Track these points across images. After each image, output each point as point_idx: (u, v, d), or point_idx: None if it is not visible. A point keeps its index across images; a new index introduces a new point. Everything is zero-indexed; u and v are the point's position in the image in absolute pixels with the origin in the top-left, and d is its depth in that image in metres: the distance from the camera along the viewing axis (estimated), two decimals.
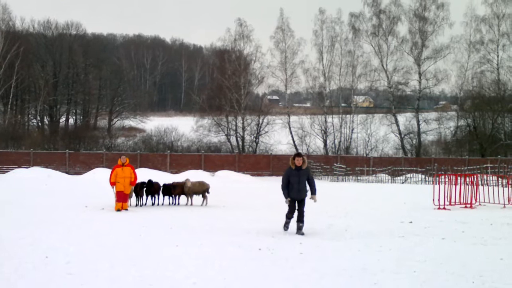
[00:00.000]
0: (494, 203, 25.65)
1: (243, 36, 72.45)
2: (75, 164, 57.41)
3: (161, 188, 25.35)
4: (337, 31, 73.49)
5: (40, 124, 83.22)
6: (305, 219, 16.07)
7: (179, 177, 37.89)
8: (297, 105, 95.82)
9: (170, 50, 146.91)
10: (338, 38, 73.44)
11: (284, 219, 16.51)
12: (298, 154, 16.51)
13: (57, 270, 10.81)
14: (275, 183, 46.53)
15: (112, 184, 22.22)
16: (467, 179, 26.19)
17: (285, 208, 16.34)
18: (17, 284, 9.70)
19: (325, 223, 18.31)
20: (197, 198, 25.51)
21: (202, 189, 25.56)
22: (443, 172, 41.58)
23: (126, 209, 21.97)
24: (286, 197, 16.00)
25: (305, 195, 16.06)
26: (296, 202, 16.04)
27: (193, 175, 39.28)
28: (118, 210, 21.72)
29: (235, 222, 18.84)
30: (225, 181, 44.74)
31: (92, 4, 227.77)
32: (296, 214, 16.07)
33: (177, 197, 25.56)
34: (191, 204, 25.10)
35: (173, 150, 65.75)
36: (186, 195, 25.36)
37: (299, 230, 15.89)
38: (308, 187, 16.12)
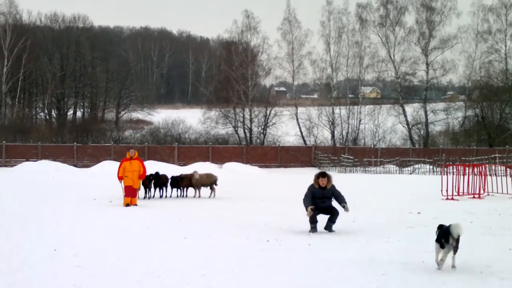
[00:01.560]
0: (502, 193, 25.57)
1: (250, 28, 72.49)
2: (83, 157, 57.58)
3: (169, 180, 25.37)
4: (344, 22, 73.39)
5: (47, 117, 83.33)
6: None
7: (187, 169, 37.90)
8: (304, 96, 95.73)
9: (177, 42, 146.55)
10: (345, 29, 73.35)
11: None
12: (322, 174, 15.13)
13: (65, 263, 10.84)
14: (283, 174, 46.83)
15: (120, 178, 21.65)
16: (475, 169, 26.12)
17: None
18: (25, 277, 9.73)
19: None
20: (205, 190, 25.53)
21: (210, 181, 25.58)
22: (451, 163, 41.47)
23: (135, 205, 21.35)
24: (308, 206, 14.76)
25: (331, 204, 15.20)
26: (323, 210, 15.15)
27: (200, 167, 39.25)
28: (127, 205, 21.24)
29: (243, 213, 18.86)
30: (232, 173, 44.75)
31: None
32: (327, 216, 15.16)
33: (185, 189, 25.60)
34: (199, 196, 25.12)
35: (181, 142, 65.80)
36: (194, 187, 25.39)
37: (329, 228, 15.09)
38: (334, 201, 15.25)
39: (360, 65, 73.52)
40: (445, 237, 10.28)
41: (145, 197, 24.05)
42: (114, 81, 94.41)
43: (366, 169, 53.44)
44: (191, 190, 25.65)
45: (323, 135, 72.43)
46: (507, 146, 57.41)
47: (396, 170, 51.77)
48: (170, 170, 34.47)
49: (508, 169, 34.82)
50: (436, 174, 43.90)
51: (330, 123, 72.49)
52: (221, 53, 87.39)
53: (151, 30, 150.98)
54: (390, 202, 22.71)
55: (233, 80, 70.00)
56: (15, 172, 45.15)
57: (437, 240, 10.48)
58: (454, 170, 26.75)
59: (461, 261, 11.02)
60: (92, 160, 55.16)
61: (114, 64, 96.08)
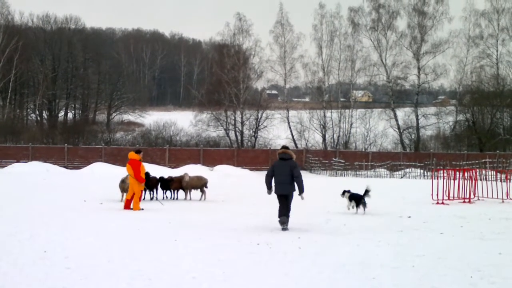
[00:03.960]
0: (492, 198, 25.67)
1: (242, 31, 72.33)
2: (73, 158, 57.28)
3: (159, 182, 25.30)
4: (336, 25, 73.27)
5: (39, 118, 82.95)
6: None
7: (177, 172, 37.85)
8: (296, 99, 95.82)
9: (169, 45, 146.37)
10: (337, 32, 73.22)
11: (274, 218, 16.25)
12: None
13: (56, 265, 10.81)
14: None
15: (143, 181, 21.05)
16: (466, 174, 26.19)
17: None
18: (15, 279, 9.69)
19: (323, 218, 18.29)
20: (196, 193, 25.50)
21: (200, 184, 25.55)
22: (441, 167, 41.52)
23: (132, 209, 20.82)
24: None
25: None
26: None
27: (191, 170, 39.24)
28: (130, 208, 20.61)
29: (234, 216, 18.84)
30: (223, 176, 44.73)
31: None
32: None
33: (175, 191, 25.56)
34: (190, 199, 25.10)
35: (172, 144, 65.57)
36: (184, 190, 25.35)
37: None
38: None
39: (352, 68, 73.47)
40: (356, 200, 19.54)
41: None
42: (106, 82, 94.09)
43: (357, 172, 53.49)
44: (181, 193, 25.63)
45: (314, 139, 72.40)
46: (497, 151, 57.59)
47: (387, 174, 51.82)
48: (161, 172, 34.40)
49: (498, 173, 34.93)
50: (427, 178, 43.95)
51: (322, 126, 72.44)
52: (213, 56, 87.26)
53: (143, 32, 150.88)
54: (381, 206, 22.72)
55: (224, 82, 69.88)
56: (5, 173, 44.94)
57: (348, 198, 19.76)
58: (445, 175, 26.81)
59: (451, 265, 11.07)
60: (83, 161, 54.92)
61: (106, 66, 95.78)
